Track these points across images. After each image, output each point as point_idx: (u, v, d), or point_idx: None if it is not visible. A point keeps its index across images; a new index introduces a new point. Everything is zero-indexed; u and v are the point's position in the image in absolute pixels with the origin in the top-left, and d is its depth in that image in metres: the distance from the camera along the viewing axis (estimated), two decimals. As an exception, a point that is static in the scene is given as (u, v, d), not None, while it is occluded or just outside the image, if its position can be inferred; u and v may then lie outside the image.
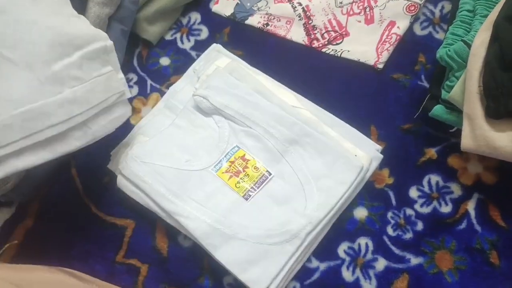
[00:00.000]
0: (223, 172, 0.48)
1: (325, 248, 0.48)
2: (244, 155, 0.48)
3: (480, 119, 0.44)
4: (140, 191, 0.47)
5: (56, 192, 0.53)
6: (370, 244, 0.48)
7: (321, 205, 0.45)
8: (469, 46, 0.47)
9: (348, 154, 0.47)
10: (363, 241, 0.48)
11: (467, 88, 0.45)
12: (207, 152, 0.49)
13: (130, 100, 0.57)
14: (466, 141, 0.45)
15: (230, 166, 0.48)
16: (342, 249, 0.48)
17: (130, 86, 0.59)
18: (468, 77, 0.45)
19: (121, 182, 0.48)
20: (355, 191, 0.48)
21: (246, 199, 0.47)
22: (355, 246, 0.48)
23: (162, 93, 0.58)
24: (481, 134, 0.43)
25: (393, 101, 0.55)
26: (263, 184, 0.47)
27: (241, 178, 0.47)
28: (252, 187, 0.47)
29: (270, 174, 0.48)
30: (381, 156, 0.50)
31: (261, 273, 0.43)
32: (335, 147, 0.48)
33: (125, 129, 0.54)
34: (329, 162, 0.47)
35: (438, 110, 0.49)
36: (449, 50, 0.48)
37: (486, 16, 0.48)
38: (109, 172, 0.52)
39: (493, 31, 0.44)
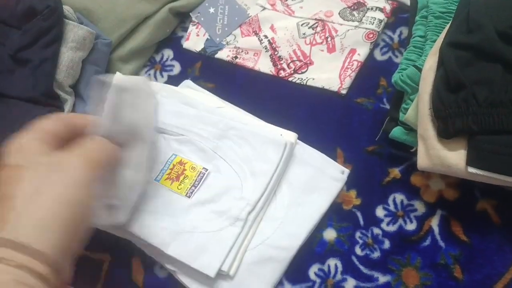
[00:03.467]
0: (164, 180, 0.52)
1: (296, 270, 0.49)
2: (181, 160, 0.53)
3: (433, 139, 0.46)
4: None
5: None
6: (339, 264, 0.50)
7: (256, 187, 0.49)
8: (420, 70, 0.50)
9: (272, 135, 0.52)
10: (332, 262, 0.50)
11: (420, 110, 0.48)
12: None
13: (107, 137, 0.60)
14: (422, 161, 0.47)
15: (170, 172, 0.52)
16: (312, 271, 0.50)
17: (106, 124, 0.61)
18: (420, 100, 0.48)
19: None
20: (285, 168, 0.52)
21: (189, 197, 0.50)
22: (325, 267, 0.50)
23: (137, 129, 0.60)
24: (435, 154, 0.45)
25: (358, 124, 0.57)
26: (202, 180, 0.51)
27: (181, 181, 0.51)
28: (192, 185, 0.51)
29: (206, 170, 0.52)
30: (345, 178, 0.53)
31: (211, 257, 0.46)
32: (259, 132, 0.52)
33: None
34: (256, 146, 0.51)
35: (396, 132, 0.52)
36: (402, 75, 0.51)
37: (436, 41, 0.51)
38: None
39: (439, 56, 0.47)
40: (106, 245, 0.53)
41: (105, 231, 0.50)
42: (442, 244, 0.49)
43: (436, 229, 0.50)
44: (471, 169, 0.43)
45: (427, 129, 0.46)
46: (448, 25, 0.49)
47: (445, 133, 0.45)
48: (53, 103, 0.55)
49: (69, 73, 0.56)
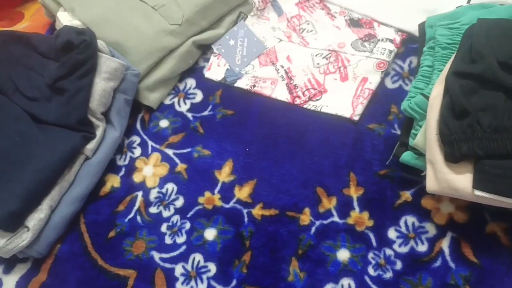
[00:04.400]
0: None
1: (311, 290, 0.52)
2: None
3: (440, 163, 0.48)
4: None
5: (67, 247, 0.58)
6: (353, 284, 0.51)
7: None
8: (427, 98, 0.53)
9: None
10: (346, 281, 0.52)
11: (428, 136, 0.50)
12: None
13: (133, 160, 0.64)
14: (431, 184, 0.49)
15: None
16: (326, 290, 0.52)
17: (133, 148, 0.66)
18: (428, 126, 0.50)
19: None
20: None
21: None
22: (338, 287, 0.51)
23: (162, 153, 0.64)
24: (442, 177, 0.48)
25: (370, 149, 0.60)
26: None
27: None
28: None
29: None
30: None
31: None
32: None
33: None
34: None
35: (406, 156, 0.54)
36: (410, 103, 0.54)
37: (442, 70, 0.54)
38: (115, 226, 0.59)
39: (444, 85, 0.50)
40: (132, 261, 0.56)
41: (130, 249, 0.54)
42: (452, 265, 0.50)
43: (446, 251, 0.51)
44: (478, 192, 0.45)
45: (434, 153, 0.49)
46: (453, 56, 0.52)
47: (452, 158, 0.47)
48: (86, 129, 0.60)
49: (101, 101, 0.61)
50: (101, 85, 0.61)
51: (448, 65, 0.52)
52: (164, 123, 0.67)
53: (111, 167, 0.63)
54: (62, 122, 0.60)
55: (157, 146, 0.65)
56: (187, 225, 0.58)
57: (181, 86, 0.71)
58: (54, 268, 0.57)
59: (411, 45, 0.66)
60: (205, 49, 0.73)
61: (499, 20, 0.50)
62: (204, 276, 0.54)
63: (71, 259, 0.57)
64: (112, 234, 0.59)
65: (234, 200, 0.59)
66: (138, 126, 0.68)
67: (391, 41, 0.65)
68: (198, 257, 0.56)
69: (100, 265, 0.56)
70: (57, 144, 0.59)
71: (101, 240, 0.58)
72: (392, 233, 0.54)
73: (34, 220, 0.55)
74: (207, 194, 0.60)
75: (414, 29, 0.65)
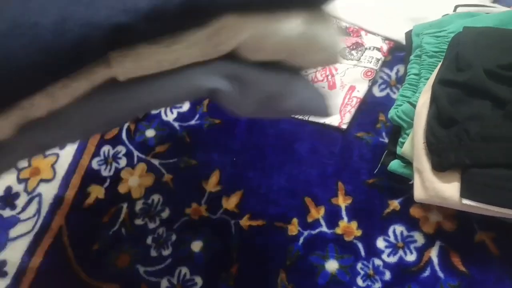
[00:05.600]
0: None
1: (299, 302, 0.51)
2: None
3: (428, 172, 0.48)
4: None
5: (49, 261, 0.57)
6: (341, 296, 0.51)
7: None
8: (414, 106, 0.52)
9: None
10: (334, 293, 0.51)
11: (415, 145, 0.50)
12: None
13: (118, 171, 0.63)
14: (418, 193, 0.48)
15: None
16: (315, 302, 0.51)
17: (118, 158, 0.64)
18: (415, 135, 0.50)
19: None
20: None
21: None
22: (327, 298, 0.51)
23: (148, 163, 0.63)
24: (430, 186, 0.47)
25: (358, 158, 0.60)
26: None
27: None
28: None
29: None
30: None
31: None
32: None
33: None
34: None
35: (394, 165, 0.54)
36: (397, 111, 0.54)
37: (429, 79, 0.54)
38: (98, 239, 0.57)
39: (431, 93, 0.50)
40: (117, 275, 0.55)
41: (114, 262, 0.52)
42: (441, 275, 0.50)
43: (435, 260, 0.51)
44: (465, 201, 0.44)
45: (422, 162, 0.48)
46: (440, 64, 0.52)
47: (439, 166, 0.46)
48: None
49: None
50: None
51: (434, 74, 0.52)
52: (150, 133, 0.66)
53: (95, 178, 0.62)
54: None
55: (143, 156, 0.64)
56: (173, 237, 0.57)
57: (168, 95, 0.70)
58: (35, 283, 0.56)
59: (398, 53, 0.66)
60: (192, 57, 0.73)
61: (485, 28, 0.50)
62: (190, 290, 0.53)
63: (52, 274, 0.56)
64: (95, 247, 0.57)
65: (221, 211, 0.58)
66: (124, 136, 0.67)
67: (378, 49, 0.65)
68: (184, 270, 0.54)
69: (83, 279, 0.55)
70: None
71: (84, 253, 0.57)
72: (380, 243, 0.53)
73: None
74: (194, 205, 0.59)
75: (401, 38, 0.65)
